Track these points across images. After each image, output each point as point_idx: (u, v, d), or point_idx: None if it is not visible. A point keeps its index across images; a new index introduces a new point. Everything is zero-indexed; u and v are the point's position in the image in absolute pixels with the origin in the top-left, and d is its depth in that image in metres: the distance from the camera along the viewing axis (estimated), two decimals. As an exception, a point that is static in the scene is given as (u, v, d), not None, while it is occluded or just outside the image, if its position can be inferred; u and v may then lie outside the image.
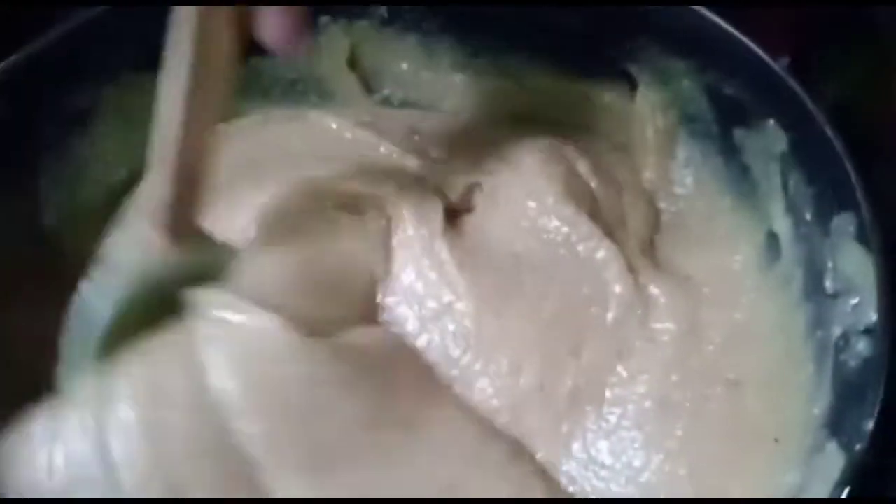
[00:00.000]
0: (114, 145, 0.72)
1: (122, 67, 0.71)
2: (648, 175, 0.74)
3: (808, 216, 0.60)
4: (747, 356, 0.63)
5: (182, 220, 0.50)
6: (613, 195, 0.72)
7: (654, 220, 0.71)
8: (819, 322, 0.57)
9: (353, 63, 0.80)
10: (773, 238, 0.65)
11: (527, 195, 0.68)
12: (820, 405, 0.53)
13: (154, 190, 0.51)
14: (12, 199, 0.65)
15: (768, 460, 0.56)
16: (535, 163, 0.69)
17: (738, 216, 0.69)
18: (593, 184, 0.71)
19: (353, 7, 0.77)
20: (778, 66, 0.62)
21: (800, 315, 0.61)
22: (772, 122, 0.63)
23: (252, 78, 0.76)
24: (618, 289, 0.64)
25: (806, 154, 0.60)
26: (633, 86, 0.74)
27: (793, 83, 0.61)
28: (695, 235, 0.71)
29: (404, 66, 0.79)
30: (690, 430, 0.59)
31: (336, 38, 0.77)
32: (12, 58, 0.63)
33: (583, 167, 0.71)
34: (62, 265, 0.66)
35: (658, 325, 0.64)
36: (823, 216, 0.58)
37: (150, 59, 0.70)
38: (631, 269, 0.65)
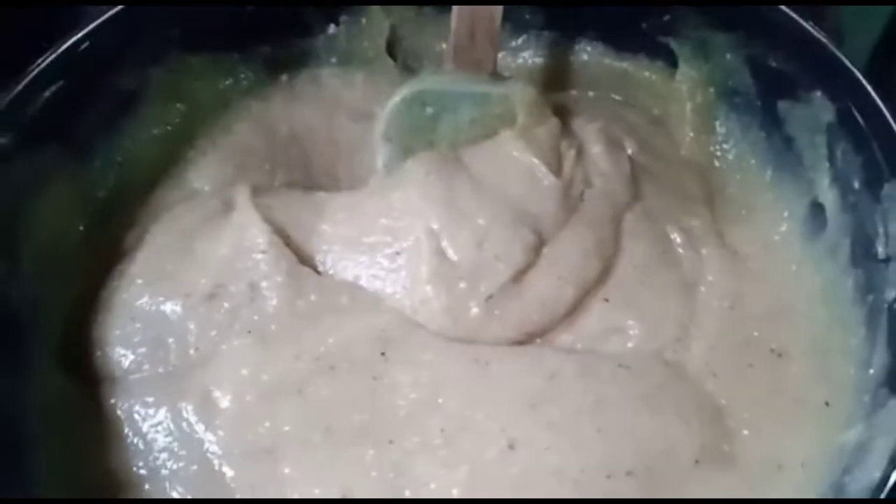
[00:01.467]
0: (162, 126, 0.73)
1: (169, 49, 0.72)
2: (687, 150, 0.75)
3: (856, 185, 0.61)
4: (791, 327, 0.64)
5: (471, 60, 0.69)
6: (662, 168, 0.72)
7: (704, 192, 0.71)
8: (870, 287, 0.58)
9: (391, 45, 0.80)
10: (817, 208, 0.66)
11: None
12: (876, 366, 0.54)
13: (457, 38, 0.69)
14: (69, 173, 0.66)
15: (821, 422, 0.57)
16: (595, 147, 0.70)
17: (780, 189, 0.70)
18: (643, 160, 0.72)
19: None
20: (823, 35, 0.63)
21: (847, 282, 0.61)
22: (819, 93, 0.64)
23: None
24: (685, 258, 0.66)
25: (854, 124, 0.61)
26: (673, 63, 0.75)
27: (840, 54, 0.61)
28: (737, 209, 0.72)
29: (444, 45, 0.79)
30: (733, 398, 0.60)
31: (377, 19, 0.78)
32: (70, 39, 0.64)
33: (631, 147, 0.72)
34: (112, 239, 0.68)
35: (703, 300, 0.65)
36: (873, 184, 0.59)
37: (195, 41, 0.73)
38: (693, 244, 0.66)
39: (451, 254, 0.62)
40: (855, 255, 0.60)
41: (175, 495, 0.56)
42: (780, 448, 0.57)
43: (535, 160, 0.66)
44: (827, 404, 0.57)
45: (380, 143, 0.70)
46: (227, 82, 0.76)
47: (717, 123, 0.73)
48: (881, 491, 0.45)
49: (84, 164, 0.68)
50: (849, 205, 0.62)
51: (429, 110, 0.69)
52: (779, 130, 0.69)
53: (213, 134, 0.74)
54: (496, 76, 0.71)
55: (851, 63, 0.61)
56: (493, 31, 0.69)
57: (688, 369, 0.62)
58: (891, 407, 0.49)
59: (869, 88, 0.59)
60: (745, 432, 0.59)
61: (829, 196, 0.64)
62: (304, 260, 0.64)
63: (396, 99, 0.69)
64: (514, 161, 0.67)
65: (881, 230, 0.57)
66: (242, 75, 0.77)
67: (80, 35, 0.64)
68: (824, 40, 0.62)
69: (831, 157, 0.63)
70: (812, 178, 0.66)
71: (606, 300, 0.64)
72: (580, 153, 0.69)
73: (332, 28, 0.78)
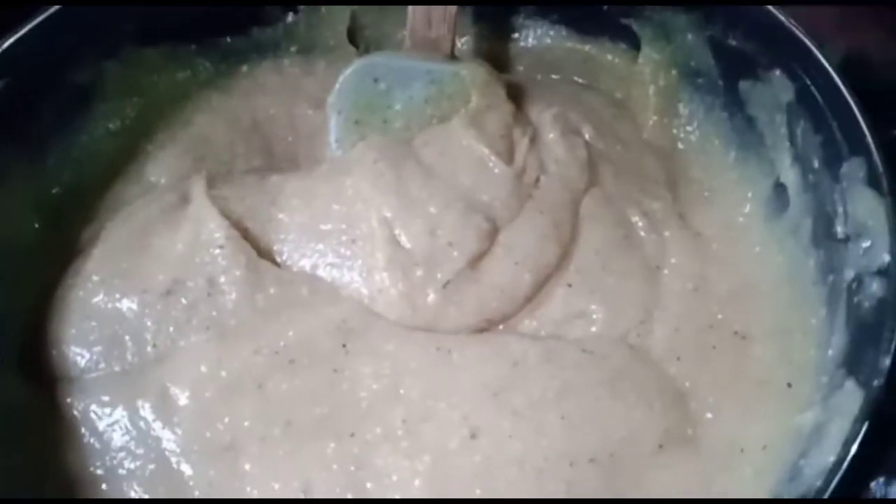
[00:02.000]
0: (119, 121, 0.72)
1: (123, 43, 0.70)
2: (650, 133, 0.75)
3: (816, 164, 0.60)
4: (754, 308, 0.64)
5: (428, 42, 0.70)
6: (621, 152, 0.72)
7: (666, 175, 0.71)
8: (830, 267, 0.58)
9: (352, 32, 0.79)
10: (780, 189, 0.66)
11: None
12: (835, 347, 0.54)
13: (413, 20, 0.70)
14: (22, 172, 0.65)
15: (783, 403, 0.57)
16: (550, 133, 0.70)
17: (743, 170, 0.70)
18: (600, 146, 0.71)
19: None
20: (781, 14, 0.62)
21: (809, 262, 0.61)
22: (778, 72, 0.63)
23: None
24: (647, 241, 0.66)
25: (814, 102, 0.60)
26: (636, 46, 0.74)
27: (799, 31, 0.61)
28: (701, 191, 0.71)
29: (406, 32, 0.78)
30: (697, 381, 0.60)
31: (337, 8, 0.77)
32: (14, 35, 0.62)
33: (589, 132, 0.72)
34: (68, 235, 0.67)
35: (666, 282, 0.65)
36: (832, 163, 0.58)
37: (151, 34, 0.71)
38: (655, 227, 0.66)
39: (405, 241, 0.62)
40: (816, 235, 0.60)
41: (133, 495, 0.56)
42: (743, 431, 0.57)
43: (486, 149, 0.66)
44: (789, 386, 0.57)
45: (331, 116, 0.69)
46: (185, 74, 0.75)
47: (681, 105, 0.73)
48: (835, 475, 0.45)
49: (37, 161, 0.67)
50: (810, 184, 0.61)
51: (381, 85, 0.69)
52: (741, 111, 0.68)
53: (173, 127, 0.73)
54: (452, 58, 0.70)
55: (810, 41, 0.60)
56: (450, 12, 0.69)
57: (651, 353, 0.62)
58: (847, 389, 0.49)
59: (827, 66, 0.59)
60: (709, 415, 0.59)
61: (790, 176, 0.64)
62: (262, 252, 0.63)
63: (348, 70, 0.69)
64: (465, 150, 0.66)
65: (840, 209, 0.57)
66: (201, 67, 0.76)
67: (25, 30, 0.63)
68: (782, 18, 0.61)
69: (792, 137, 0.63)
70: (774, 159, 0.66)
71: (569, 285, 0.64)
72: (534, 140, 0.68)
73: (291, 17, 0.77)
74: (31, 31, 0.64)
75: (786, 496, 0.48)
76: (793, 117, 0.63)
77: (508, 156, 0.67)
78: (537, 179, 0.68)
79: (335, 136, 0.69)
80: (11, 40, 0.63)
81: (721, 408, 0.59)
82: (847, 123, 0.57)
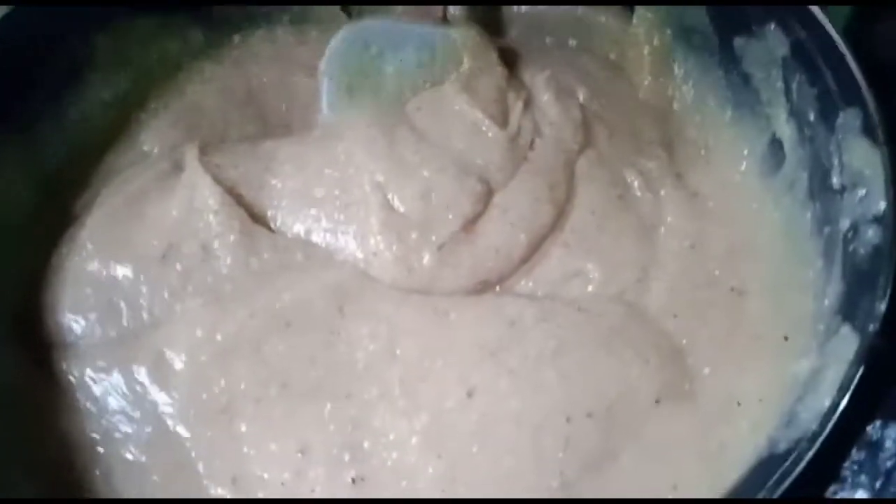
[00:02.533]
0: (112, 92, 0.71)
1: (114, 14, 0.70)
2: (645, 94, 0.74)
3: (811, 117, 0.60)
4: (751, 264, 0.63)
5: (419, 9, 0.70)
6: (616, 113, 0.71)
7: (661, 135, 0.70)
8: (826, 219, 0.58)
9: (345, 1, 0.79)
10: (776, 145, 0.65)
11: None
12: (831, 296, 0.54)
13: None
14: (15, 146, 0.65)
15: (779, 356, 0.57)
16: (544, 96, 0.69)
17: (739, 127, 0.69)
18: (595, 107, 0.71)
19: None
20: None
21: (805, 216, 0.61)
22: (772, 26, 0.62)
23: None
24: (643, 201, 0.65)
25: (808, 55, 0.59)
26: (629, 6, 0.74)
27: (792, -15, 0.60)
28: (697, 150, 0.71)
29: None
30: (694, 337, 0.60)
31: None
32: (5, 9, 0.62)
33: (583, 94, 0.71)
34: (62, 205, 0.67)
35: (662, 241, 0.65)
36: (828, 115, 0.58)
37: (141, 4, 0.71)
38: (651, 186, 0.66)
39: (399, 205, 0.62)
40: (812, 188, 0.60)
41: (129, 457, 0.56)
42: (739, 385, 0.57)
43: (479, 113, 0.65)
44: (786, 339, 0.57)
45: (323, 81, 0.69)
46: (177, 44, 0.75)
47: (675, 65, 0.72)
48: (830, 418, 0.45)
49: (31, 132, 0.67)
50: (806, 138, 0.61)
51: (372, 49, 0.68)
52: (736, 68, 0.68)
53: (166, 97, 0.73)
54: (444, 22, 0.70)
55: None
56: None
57: (648, 311, 0.61)
58: (843, 334, 0.49)
59: (821, 18, 0.58)
60: (706, 371, 0.59)
61: (786, 131, 0.63)
62: (256, 218, 0.63)
63: (339, 34, 0.69)
64: (458, 114, 0.66)
65: (836, 161, 0.56)
66: (193, 37, 0.76)
67: (13, 4, 0.62)
68: (776, -30, 0.61)
69: (787, 92, 0.63)
70: (770, 115, 0.65)
71: (565, 245, 0.64)
72: (528, 103, 0.68)
73: (283, -13, 0.77)
74: (20, 4, 0.63)
75: (782, 443, 0.48)
76: (788, 72, 0.62)
77: (502, 119, 0.67)
78: (532, 142, 0.67)
79: (327, 101, 0.69)
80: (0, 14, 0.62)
81: (718, 363, 0.59)
82: (842, 74, 0.56)
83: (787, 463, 0.44)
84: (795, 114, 0.62)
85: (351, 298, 0.60)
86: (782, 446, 0.47)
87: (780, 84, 0.64)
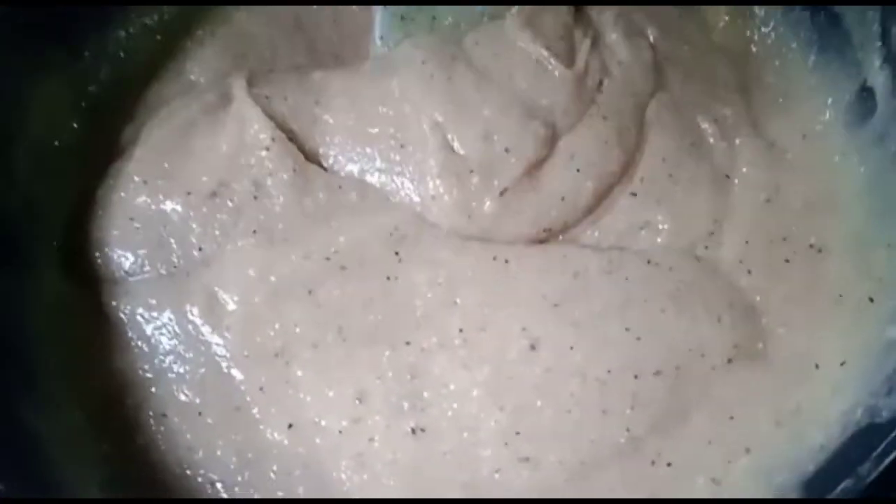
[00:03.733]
0: (157, 16, 0.68)
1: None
2: (720, 36, 0.69)
3: (912, 65, 0.55)
4: (832, 221, 0.60)
5: None
6: (689, 55, 0.67)
7: (737, 80, 0.66)
8: (922, 175, 0.54)
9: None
10: (866, 94, 0.61)
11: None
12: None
13: None
14: (60, 66, 0.62)
15: (864, 318, 0.54)
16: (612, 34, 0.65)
17: (824, 74, 0.65)
18: (666, 47, 0.66)
19: None
20: None
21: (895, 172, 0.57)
22: (874, -39, 0.57)
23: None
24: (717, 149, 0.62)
25: (914, -6, 0.55)
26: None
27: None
28: (776, 97, 0.67)
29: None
30: (768, 295, 0.57)
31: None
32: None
33: (654, 34, 0.67)
34: (107, 135, 0.64)
35: (737, 193, 0.61)
36: (932, 62, 0.53)
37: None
38: (726, 134, 0.62)
39: (459, 147, 0.58)
40: (907, 143, 0.56)
41: (182, 398, 0.54)
42: (818, 346, 0.54)
43: (543, 51, 0.61)
44: (871, 300, 0.54)
45: (376, 10, 0.66)
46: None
47: (756, 7, 0.67)
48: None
49: (74, 57, 0.64)
50: (903, 87, 0.56)
51: None
52: (825, 8, 0.63)
53: (212, 23, 0.70)
54: None
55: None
56: None
57: (720, 266, 0.59)
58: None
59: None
60: (781, 331, 0.56)
61: (879, 78, 0.59)
62: (308, 154, 0.61)
63: None
64: (520, 51, 0.62)
65: (939, 113, 0.52)
66: (241, -39, 0.72)
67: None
68: None
69: (884, 35, 0.58)
70: (862, 59, 0.61)
71: (634, 195, 0.60)
72: (595, 41, 0.64)
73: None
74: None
75: (885, 411, 0.45)
76: (888, 12, 0.57)
77: (568, 58, 0.63)
78: (600, 83, 0.63)
79: (380, 32, 0.66)
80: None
81: (794, 323, 0.56)
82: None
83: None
84: (893, 59, 0.58)
85: (408, 243, 0.58)
86: (885, 415, 0.45)
87: (876, 26, 0.59)
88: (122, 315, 0.57)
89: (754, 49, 0.68)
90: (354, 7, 0.70)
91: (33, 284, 0.57)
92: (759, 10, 0.68)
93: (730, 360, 0.54)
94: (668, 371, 0.54)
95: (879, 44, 0.59)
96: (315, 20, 0.70)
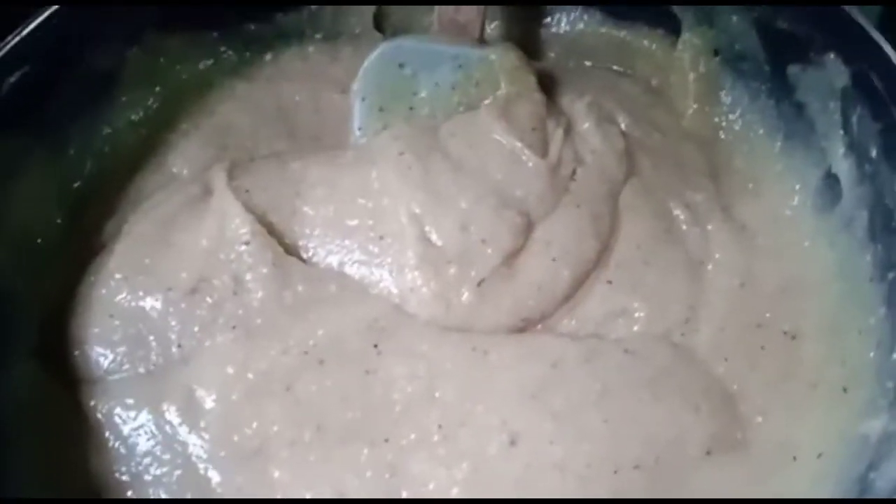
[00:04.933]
0: (141, 110, 0.70)
1: (144, 30, 0.68)
2: (689, 122, 0.71)
3: (873, 153, 0.57)
4: (804, 306, 0.61)
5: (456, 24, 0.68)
6: (660, 141, 0.69)
7: (707, 165, 0.68)
8: (890, 263, 0.55)
9: (379, 18, 0.76)
10: (831, 180, 0.62)
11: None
12: (899, 349, 0.51)
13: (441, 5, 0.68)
14: (42, 160, 0.63)
15: (838, 408, 0.54)
16: (584, 123, 0.67)
17: (791, 159, 0.66)
18: (637, 134, 0.68)
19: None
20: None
21: (865, 258, 0.58)
22: (831, 55, 0.60)
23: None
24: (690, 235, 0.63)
25: (872, 87, 0.57)
26: (675, 31, 0.71)
27: (855, 13, 0.57)
28: (745, 182, 0.68)
29: (433, 16, 0.75)
30: (745, 382, 0.58)
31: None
32: (33, 22, 0.60)
33: (625, 121, 0.69)
34: (90, 229, 0.65)
35: (711, 278, 0.62)
36: (893, 152, 0.55)
37: (173, 20, 0.69)
38: (698, 219, 0.64)
39: (436, 238, 0.59)
40: (873, 228, 0.57)
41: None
42: (796, 436, 0.54)
43: (518, 143, 0.63)
44: (845, 390, 0.54)
45: (355, 102, 0.67)
46: (209, 62, 0.73)
47: (723, 93, 0.70)
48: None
49: (58, 151, 0.65)
50: (866, 175, 0.58)
51: (406, 70, 0.66)
52: (789, 97, 0.65)
53: (196, 116, 0.71)
54: (481, 42, 0.67)
55: (867, 22, 0.57)
56: None
57: (697, 353, 0.59)
58: (919, 397, 0.46)
59: (887, 49, 0.55)
60: (759, 419, 0.56)
61: (843, 166, 0.60)
62: (288, 247, 0.61)
63: (373, 55, 0.67)
64: (495, 142, 0.63)
65: (902, 201, 0.53)
66: (224, 55, 0.74)
67: (44, 17, 0.61)
68: (837, -2, 0.58)
69: (846, 124, 0.60)
70: (825, 147, 0.62)
71: (609, 282, 0.61)
72: (568, 130, 0.66)
73: (316, 4, 0.75)
74: (49, 17, 0.62)
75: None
76: (848, 104, 0.59)
77: (542, 148, 0.64)
78: (573, 171, 0.65)
79: (359, 123, 0.67)
80: (31, 27, 0.61)
81: (771, 411, 0.56)
82: (910, 110, 0.53)
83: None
84: (855, 148, 0.60)
85: (387, 335, 0.58)
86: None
87: (838, 116, 0.61)
88: (99, 415, 0.57)
89: (723, 135, 0.71)
90: (335, 95, 0.72)
91: (9, 381, 0.57)
92: (725, 98, 0.71)
93: (708, 452, 0.54)
94: (648, 464, 0.54)
95: (842, 132, 0.61)
96: (296, 108, 0.72)
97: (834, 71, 0.60)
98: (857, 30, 0.57)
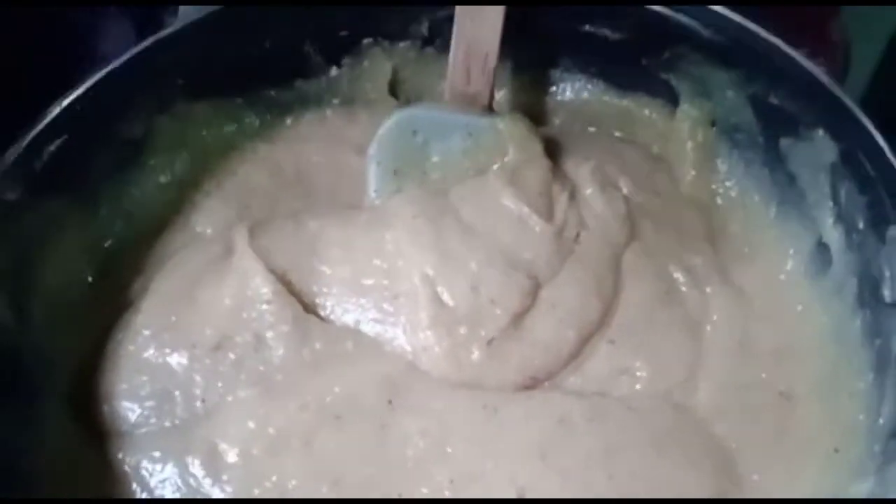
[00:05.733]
0: (168, 173, 0.73)
1: (173, 98, 0.72)
2: (688, 188, 0.75)
3: (861, 225, 0.61)
4: (798, 368, 0.63)
5: (466, 95, 0.72)
6: (660, 206, 0.72)
7: (705, 229, 0.71)
8: (877, 331, 0.58)
9: (393, 86, 0.81)
10: (822, 247, 0.66)
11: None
12: (886, 415, 0.54)
13: (453, 73, 0.71)
14: (76, 222, 0.67)
15: (829, 470, 0.56)
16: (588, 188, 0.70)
17: (784, 226, 0.70)
18: (639, 199, 0.72)
19: (393, 27, 0.78)
20: (823, 75, 0.63)
21: (854, 323, 0.61)
22: (820, 132, 0.63)
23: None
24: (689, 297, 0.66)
25: (858, 164, 0.60)
26: (674, 101, 0.75)
27: (841, 92, 0.61)
28: (741, 247, 0.71)
29: (445, 86, 0.79)
30: (743, 441, 0.60)
31: (379, 62, 0.79)
32: (74, 93, 0.64)
33: (626, 186, 0.72)
34: (119, 289, 0.68)
35: (709, 339, 0.65)
36: (878, 225, 0.58)
37: (199, 88, 0.73)
38: (697, 282, 0.66)
39: (448, 299, 0.62)
40: (861, 296, 0.60)
41: (184, 552, 0.56)
42: (791, 496, 0.56)
43: (525, 208, 0.66)
44: (836, 451, 0.57)
45: (370, 165, 0.71)
46: (232, 127, 0.77)
47: (719, 161, 0.73)
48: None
49: (91, 214, 0.69)
50: (854, 244, 0.61)
51: (419, 137, 0.70)
52: (782, 167, 0.69)
53: (218, 177, 0.75)
54: (490, 111, 0.71)
55: (854, 102, 0.60)
56: (488, 67, 0.71)
57: (697, 412, 0.62)
58: (903, 463, 0.49)
59: (872, 129, 0.59)
60: (755, 478, 0.58)
61: (833, 235, 0.64)
62: (307, 305, 0.64)
63: (388, 122, 0.71)
64: (504, 208, 0.67)
65: (887, 273, 0.57)
66: (247, 120, 0.78)
67: (82, 89, 0.65)
68: (825, 80, 0.62)
69: (835, 196, 0.63)
70: (816, 216, 0.66)
71: (612, 342, 0.64)
72: (573, 195, 0.69)
73: (334, 70, 0.79)
74: (88, 88, 0.65)
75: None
76: (836, 177, 0.63)
77: (548, 212, 0.68)
78: (577, 235, 0.68)
79: (374, 185, 0.71)
80: (71, 98, 0.65)
81: (768, 471, 0.58)
82: (894, 187, 0.57)
83: None
84: (843, 219, 0.63)
85: (401, 391, 0.61)
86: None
87: (827, 189, 0.64)
88: (126, 468, 0.59)
89: (720, 201, 0.74)
90: (352, 156, 0.75)
91: (41, 435, 0.60)
92: (721, 165, 0.74)
93: (710, 509, 0.57)
94: (651, 520, 0.56)
95: (831, 203, 0.64)
96: (314, 169, 0.76)
97: (823, 146, 0.63)
98: (844, 110, 0.60)
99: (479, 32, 0.71)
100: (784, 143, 0.68)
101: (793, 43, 0.64)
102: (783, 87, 0.66)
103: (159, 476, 0.58)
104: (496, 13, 0.70)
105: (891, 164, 0.57)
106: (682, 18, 0.68)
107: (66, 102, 0.65)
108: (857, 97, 0.64)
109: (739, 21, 0.66)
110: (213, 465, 0.58)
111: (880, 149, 0.58)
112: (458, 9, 0.70)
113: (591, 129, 0.80)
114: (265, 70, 0.76)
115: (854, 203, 0.61)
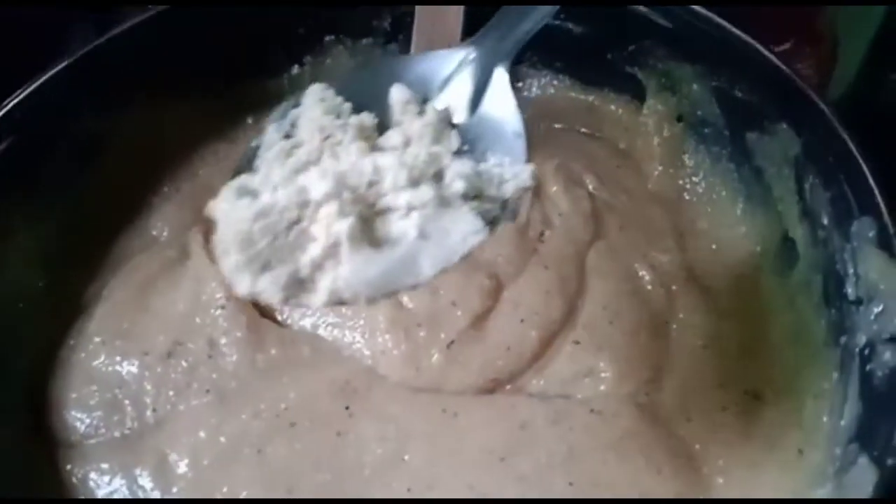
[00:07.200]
0: (126, 174, 0.72)
1: (130, 97, 0.70)
2: (655, 184, 0.74)
3: (825, 221, 0.59)
4: (764, 367, 0.62)
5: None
6: (627, 203, 0.71)
7: (672, 226, 0.70)
8: (842, 329, 0.56)
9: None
10: (789, 243, 0.64)
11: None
12: (847, 416, 0.52)
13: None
14: (27, 219, 0.65)
15: (794, 472, 0.55)
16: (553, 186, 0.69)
17: (751, 222, 0.69)
18: (605, 196, 0.70)
19: (355, 24, 0.76)
20: (787, 67, 0.61)
21: (820, 322, 0.60)
22: (784, 125, 0.62)
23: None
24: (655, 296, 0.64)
25: (821, 157, 0.59)
26: (640, 96, 0.74)
27: (803, 85, 0.60)
28: (708, 244, 0.70)
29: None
30: (707, 443, 0.59)
31: (341, 59, 0.77)
32: (23, 92, 0.63)
33: (592, 183, 0.71)
34: (72, 292, 0.67)
35: (675, 339, 0.64)
36: (842, 221, 0.57)
37: (158, 88, 0.71)
38: (663, 280, 0.65)
39: (406, 301, 0.61)
40: (827, 293, 0.59)
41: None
42: (753, 496, 0.55)
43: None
44: (800, 452, 0.56)
45: None
46: (192, 127, 0.75)
47: (686, 156, 0.72)
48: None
49: (43, 217, 0.67)
50: (819, 240, 0.60)
51: None
52: (748, 162, 0.67)
53: (178, 180, 0.73)
54: None
55: (816, 95, 0.59)
56: None
57: (661, 412, 0.60)
58: (861, 465, 0.48)
59: (835, 123, 0.57)
60: (720, 480, 0.57)
61: (799, 230, 0.63)
62: (263, 310, 0.63)
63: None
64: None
65: (851, 270, 0.55)
66: (210, 120, 0.76)
67: (33, 87, 0.63)
68: (788, 71, 0.61)
69: (800, 191, 0.62)
70: (782, 212, 0.65)
71: (576, 342, 0.63)
72: (537, 193, 0.68)
73: (296, 69, 0.77)
74: (39, 87, 0.64)
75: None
76: (801, 171, 0.62)
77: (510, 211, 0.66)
78: (541, 234, 0.67)
79: None
80: (21, 96, 0.63)
81: (731, 473, 0.57)
82: (856, 181, 0.56)
83: None
84: (809, 214, 0.62)
85: (358, 397, 0.59)
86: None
87: (792, 183, 0.63)
88: (75, 480, 0.58)
89: (687, 196, 0.73)
90: None
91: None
92: (689, 161, 0.73)
93: (671, 513, 0.55)
94: (610, 525, 0.55)
95: (797, 198, 0.63)
96: None
97: (787, 140, 0.62)
98: (807, 102, 0.59)
99: (439, 31, 0.69)
100: (750, 137, 0.67)
101: (778, 38, 0.63)
102: (746, 80, 0.65)
103: (107, 488, 0.57)
104: (455, 13, 0.68)
105: (855, 159, 0.56)
106: (643, 10, 0.66)
107: (13, 102, 0.63)
108: (842, 94, 0.63)
109: (701, 12, 0.64)
110: (163, 475, 0.56)
111: (844, 143, 0.57)
112: (419, 9, 0.69)
113: (558, 126, 0.79)
114: (226, 69, 0.75)
115: (818, 198, 0.60)
